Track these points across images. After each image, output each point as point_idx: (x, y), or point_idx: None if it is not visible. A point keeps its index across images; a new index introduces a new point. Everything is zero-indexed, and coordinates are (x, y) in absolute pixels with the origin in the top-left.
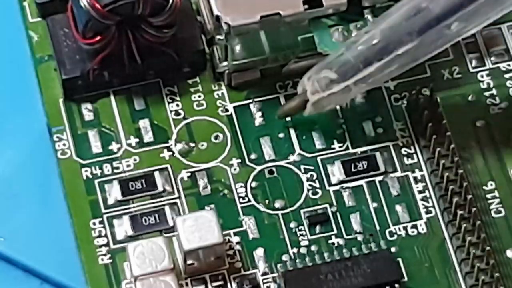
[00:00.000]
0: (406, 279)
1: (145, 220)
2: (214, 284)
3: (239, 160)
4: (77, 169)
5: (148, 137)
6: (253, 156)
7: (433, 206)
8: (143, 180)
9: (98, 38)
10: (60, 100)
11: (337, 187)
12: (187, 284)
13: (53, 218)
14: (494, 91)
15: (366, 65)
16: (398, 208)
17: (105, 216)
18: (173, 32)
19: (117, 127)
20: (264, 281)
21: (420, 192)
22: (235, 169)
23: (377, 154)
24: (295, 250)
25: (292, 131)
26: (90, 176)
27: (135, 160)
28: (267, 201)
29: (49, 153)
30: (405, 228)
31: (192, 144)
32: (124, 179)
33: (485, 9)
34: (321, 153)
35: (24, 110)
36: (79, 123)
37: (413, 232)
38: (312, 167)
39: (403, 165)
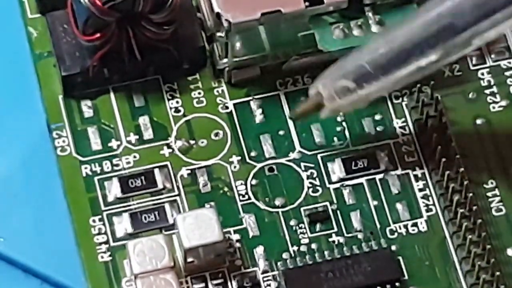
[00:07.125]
0: (406, 277)
1: (145, 217)
2: (214, 282)
3: (239, 158)
4: (77, 166)
5: (148, 134)
6: (253, 154)
7: (434, 204)
8: (143, 178)
9: (98, 34)
10: (60, 97)
11: (337, 185)
12: (187, 282)
13: (53, 218)
14: (494, 89)
15: (386, 75)
16: (399, 206)
17: (104, 214)
18: (173, 29)
19: (116, 124)
20: (264, 279)
21: (420, 190)
22: (235, 167)
23: (378, 152)
24: (295, 248)
25: (292, 129)
26: (90, 173)
27: (134, 157)
28: (267, 199)
29: (48, 150)
30: (405, 226)
31: (192, 141)
32: (124, 176)
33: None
34: (321, 150)
35: (23, 107)
36: (78, 120)
37: (413, 230)
38: (312, 165)
39: (404, 163)
